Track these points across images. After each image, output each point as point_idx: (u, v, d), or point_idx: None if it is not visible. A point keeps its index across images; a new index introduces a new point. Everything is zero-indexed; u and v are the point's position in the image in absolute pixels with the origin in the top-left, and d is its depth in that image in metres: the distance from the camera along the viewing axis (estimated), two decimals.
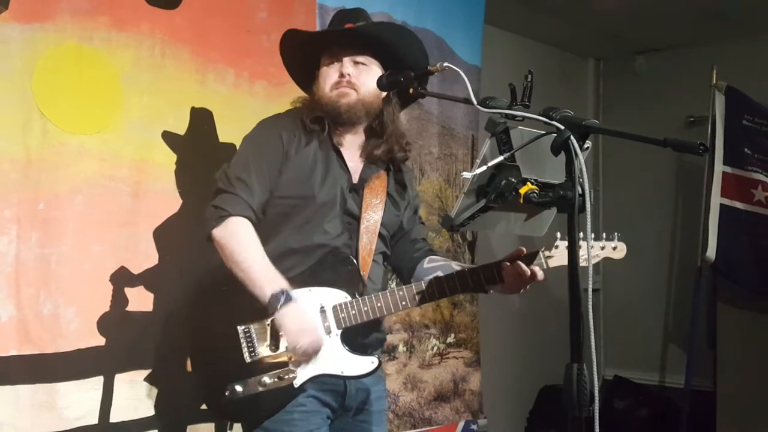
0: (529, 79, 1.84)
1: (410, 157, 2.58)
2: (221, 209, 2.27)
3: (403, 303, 2.31)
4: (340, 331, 2.29)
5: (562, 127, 1.68)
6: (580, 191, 1.66)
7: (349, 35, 2.42)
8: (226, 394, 2.21)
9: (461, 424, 4.38)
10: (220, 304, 2.32)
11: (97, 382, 2.84)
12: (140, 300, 2.95)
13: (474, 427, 4.44)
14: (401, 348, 4.11)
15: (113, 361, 2.88)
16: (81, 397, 2.80)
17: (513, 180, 1.76)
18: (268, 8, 3.37)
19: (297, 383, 2.24)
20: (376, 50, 2.42)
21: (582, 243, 2.05)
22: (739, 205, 4.95)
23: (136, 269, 2.95)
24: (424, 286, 2.31)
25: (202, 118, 3.14)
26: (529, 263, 2.23)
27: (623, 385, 5.65)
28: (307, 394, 2.28)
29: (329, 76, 2.40)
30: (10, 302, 2.67)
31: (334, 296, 2.30)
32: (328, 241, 2.33)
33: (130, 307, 2.92)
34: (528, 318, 5.52)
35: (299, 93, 2.59)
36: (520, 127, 1.80)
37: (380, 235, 2.44)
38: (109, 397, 2.86)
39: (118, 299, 2.90)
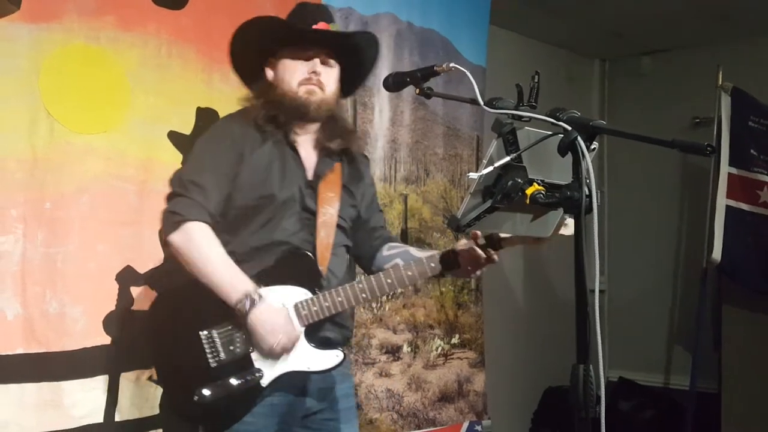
0: (536, 80, 1.84)
1: (364, 147, 2.58)
2: (177, 214, 2.24)
3: (364, 295, 2.32)
4: (304, 328, 2.29)
5: (569, 128, 1.68)
6: (587, 192, 1.66)
7: (335, 39, 2.44)
8: (195, 399, 2.20)
9: (465, 425, 4.38)
10: (181, 309, 2.32)
11: (103, 380, 2.85)
12: (145, 299, 2.95)
13: (478, 428, 4.43)
14: (405, 348, 4.11)
15: (118, 359, 2.88)
16: (86, 395, 2.80)
17: (519, 181, 1.75)
18: (273, 8, 3.37)
19: (264, 382, 2.25)
20: (344, 55, 2.46)
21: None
22: (744, 206, 4.94)
23: (141, 268, 2.95)
24: (383, 276, 2.33)
25: (207, 118, 3.14)
26: (484, 247, 2.26)
27: (628, 387, 5.63)
28: (264, 402, 2.28)
29: (296, 71, 2.39)
30: (17, 301, 2.67)
31: (294, 294, 2.30)
32: (287, 238, 2.34)
33: (135, 307, 2.93)
34: (532, 319, 5.52)
35: None
36: (526, 127, 1.80)
37: (340, 228, 2.45)
38: (115, 396, 2.87)
39: (124, 298, 2.90)
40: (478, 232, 2.26)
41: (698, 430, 4.97)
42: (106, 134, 2.89)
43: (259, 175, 2.34)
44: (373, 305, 3.94)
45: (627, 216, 5.98)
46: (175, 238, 2.24)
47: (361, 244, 2.58)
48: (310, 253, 2.35)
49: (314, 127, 2.44)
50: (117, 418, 2.87)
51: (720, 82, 4.98)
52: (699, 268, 5.07)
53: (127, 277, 2.92)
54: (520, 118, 1.80)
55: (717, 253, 4.81)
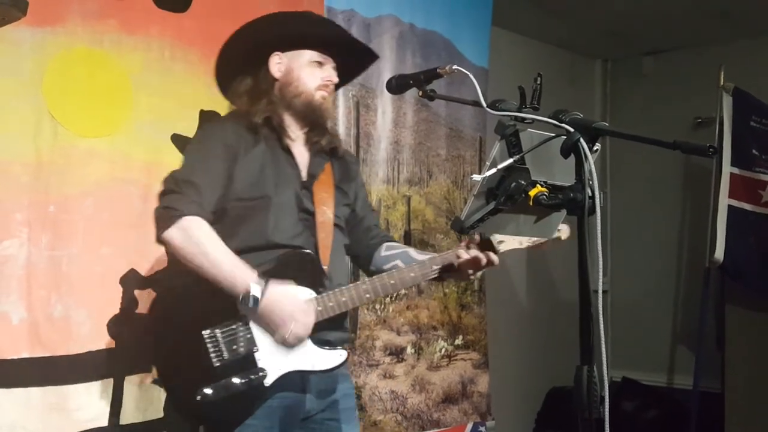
0: (539, 82, 1.85)
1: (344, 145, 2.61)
2: (172, 209, 2.19)
3: (368, 296, 2.33)
4: None
5: (572, 130, 1.68)
6: (590, 193, 1.67)
7: (365, 52, 2.51)
8: (198, 398, 2.17)
9: (469, 426, 4.38)
10: (182, 308, 2.29)
11: (107, 384, 2.85)
12: (150, 302, 2.96)
13: (482, 429, 4.44)
14: (409, 350, 4.11)
15: (123, 363, 2.89)
16: (91, 399, 2.81)
17: (522, 182, 1.76)
18: (276, 10, 3.37)
19: (268, 382, 2.23)
20: (350, 65, 2.52)
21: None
22: (746, 206, 4.94)
23: (145, 271, 2.96)
24: (386, 277, 2.34)
25: (211, 121, 3.14)
26: (483, 250, 2.31)
27: (631, 387, 5.64)
28: (266, 403, 2.26)
29: (313, 75, 2.41)
30: (21, 305, 2.68)
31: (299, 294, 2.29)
32: (287, 240, 2.33)
33: (139, 310, 2.93)
34: (535, 320, 5.53)
35: None
36: (529, 129, 1.80)
37: (337, 227, 2.46)
38: (119, 400, 2.87)
39: (128, 301, 2.91)
40: (477, 236, 2.31)
41: (702, 429, 4.97)
42: (109, 137, 2.90)
43: (253, 176, 2.33)
44: (377, 307, 3.95)
45: (629, 216, 5.98)
46: (173, 233, 2.18)
47: (358, 243, 2.59)
48: (312, 253, 2.34)
49: (306, 128, 2.46)
50: (121, 422, 2.88)
51: (721, 83, 4.98)
52: (701, 268, 5.07)
53: (131, 280, 2.92)
54: (522, 120, 1.80)
55: (719, 253, 4.81)
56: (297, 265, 2.31)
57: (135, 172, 2.95)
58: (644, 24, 5.32)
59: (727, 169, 4.89)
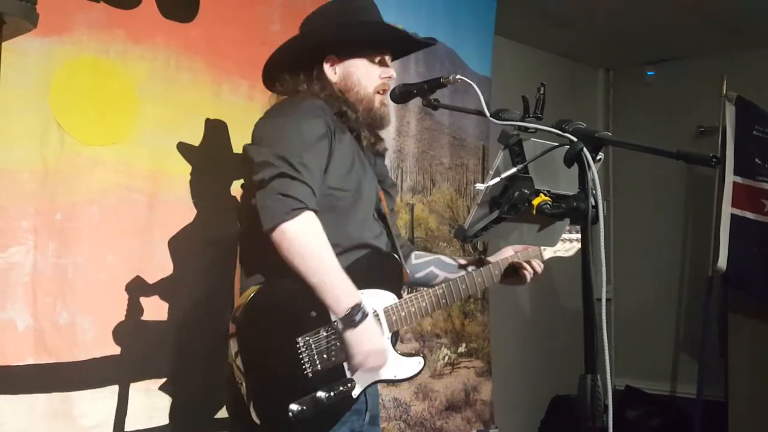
0: (542, 92, 1.86)
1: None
2: (294, 199, 1.98)
3: (444, 300, 2.31)
4: (390, 334, 2.21)
5: (575, 139, 1.70)
6: (593, 203, 1.68)
7: (422, 45, 2.48)
8: (290, 415, 2.02)
9: None
10: (276, 314, 2.10)
11: (113, 390, 2.86)
12: (155, 309, 2.97)
13: None
14: None
15: (128, 369, 2.90)
16: (96, 405, 2.81)
17: (526, 191, 1.77)
18: (281, 20, 3.40)
19: (355, 393, 2.14)
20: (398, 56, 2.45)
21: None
22: (749, 215, 4.95)
23: (151, 279, 2.97)
24: (459, 282, 2.37)
25: (216, 129, 3.16)
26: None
27: (635, 395, 5.63)
28: (350, 411, 2.16)
29: (371, 75, 2.29)
30: (27, 312, 2.69)
31: (383, 299, 2.21)
32: (373, 239, 2.24)
33: (145, 317, 2.94)
34: (539, 328, 5.53)
35: None
36: (532, 138, 1.81)
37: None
38: (124, 406, 2.88)
39: (134, 309, 2.92)
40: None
41: None
42: (115, 146, 2.91)
43: (346, 165, 2.17)
44: None
45: (633, 225, 5.98)
46: (293, 227, 1.96)
47: None
48: (397, 257, 2.28)
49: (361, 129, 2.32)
50: (127, 428, 2.88)
51: (724, 92, 4.99)
52: (704, 277, 5.08)
53: (136, 287, 2.93)
54: (526, 129, 1.82)
55: (722, 262, 4.81)
56: (383, 268, 2.25)
57: (141, 180, 2.96)
58: (647, 33, 5.34)
59: (730, 178, 4.90)
